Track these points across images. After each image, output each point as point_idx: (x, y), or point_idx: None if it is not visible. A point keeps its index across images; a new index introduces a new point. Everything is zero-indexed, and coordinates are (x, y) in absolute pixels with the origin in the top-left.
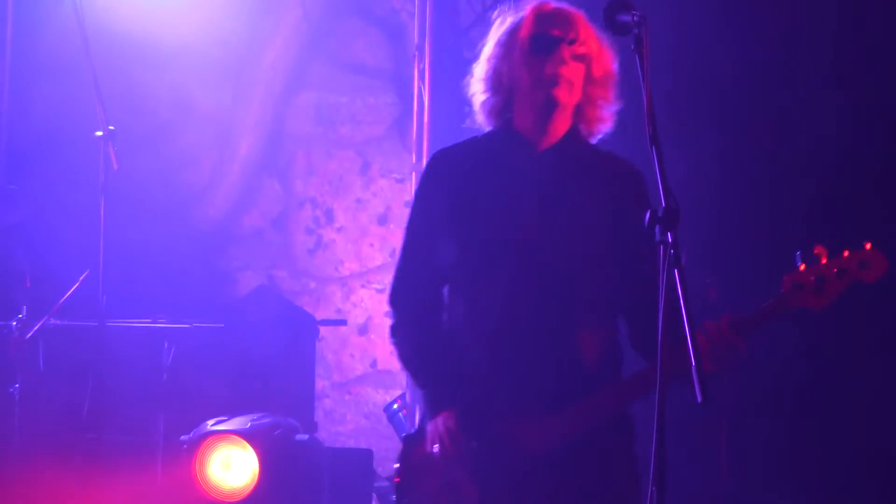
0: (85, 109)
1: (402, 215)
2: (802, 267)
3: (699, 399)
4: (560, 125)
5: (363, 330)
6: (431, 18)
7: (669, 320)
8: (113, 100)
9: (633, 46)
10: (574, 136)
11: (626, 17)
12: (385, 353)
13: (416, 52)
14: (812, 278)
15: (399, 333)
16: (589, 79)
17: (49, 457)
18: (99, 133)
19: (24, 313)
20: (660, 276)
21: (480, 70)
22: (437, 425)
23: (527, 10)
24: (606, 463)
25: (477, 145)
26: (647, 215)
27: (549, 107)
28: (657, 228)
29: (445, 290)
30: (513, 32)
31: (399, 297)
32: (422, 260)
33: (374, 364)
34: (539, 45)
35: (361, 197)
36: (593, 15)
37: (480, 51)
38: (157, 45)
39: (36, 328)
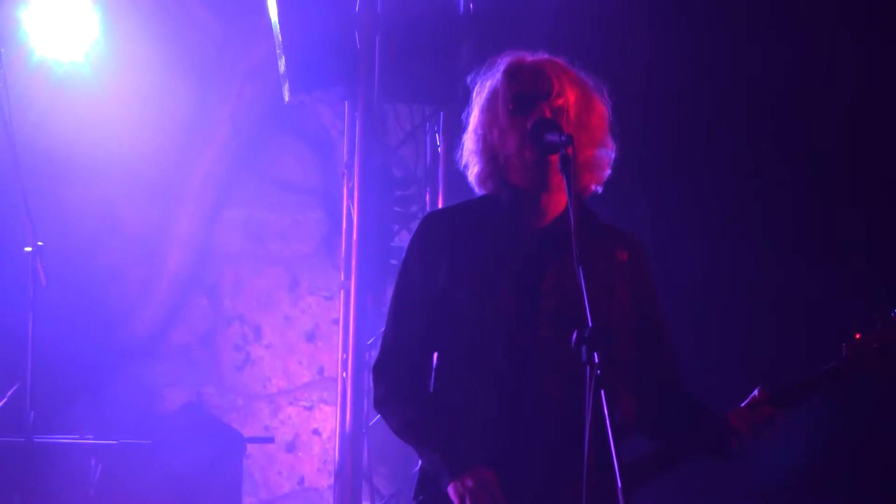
0: (13, 225)
1: (330, 332)
2: (858, 336)
3: None
4: (557, 185)
5: (291, 447)
6: (360, 136)
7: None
8: (41, 215)
9: (560, 167)
10: (580, 205)
11: (553, 138)
12: (313, 470)
13: (346, 170)
14: (875, 345)
15: (388, 405)
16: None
17: None
18: (28, 248)
19: None
20: (586, 396)
21: (470, 142)
22: (470, 483)
23: (500, 70)
24: None
25: (472, 208)
26: (574, 336)
27: (542, 164)
28: (583, 349)
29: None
30: (492, 97)
31: (385, 368)
32: (409, 329)
33: (301, 481)
34: (518, 105)
35: (289, 314)
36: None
37: (467, 120)
38: (86, 162)
39: None
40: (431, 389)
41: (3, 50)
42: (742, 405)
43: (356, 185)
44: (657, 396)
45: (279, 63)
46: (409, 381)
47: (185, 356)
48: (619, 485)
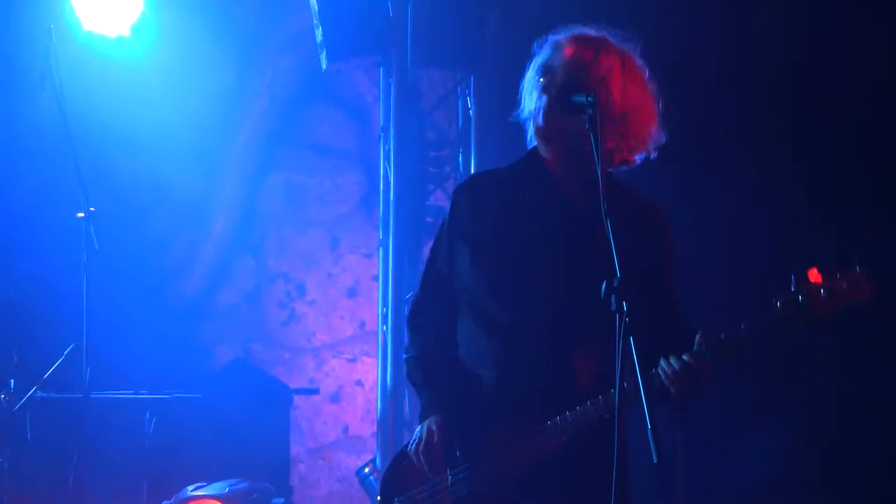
0: (67, 192)
1: (369, 288)
2: (794, 288)
3: (654, 460)
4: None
5: (335, 398)
6: (395, 101)
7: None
8: (93, 183)
9: (587, 126)
10: (609, 176)
11: (580, 99)
12: (356, 420)
13: (382, 134)
14: (803, 299)
15: (409, 350)
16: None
17: None
18: (81, 214)
19: (12, 386)
20: (616, 343)
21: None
22: (423, 427)
23: (561, 51)
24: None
25: (509, 174)
26: (603, 286)
27: (578, 155)
28: (612, 298)
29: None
30: (548, 73)
31: (415, 318)
32: (438, 282)
33: (345, 430)
34: (566, 105)
35: (331, 271)
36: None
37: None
38: (133, 132)
39: (23, 401)
40: (458, 334)
41: (52, 26)
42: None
43: (392, 147)
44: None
45: (316, 32)
46: (432, 328)
47: (233, 314)
48: (649, 425)
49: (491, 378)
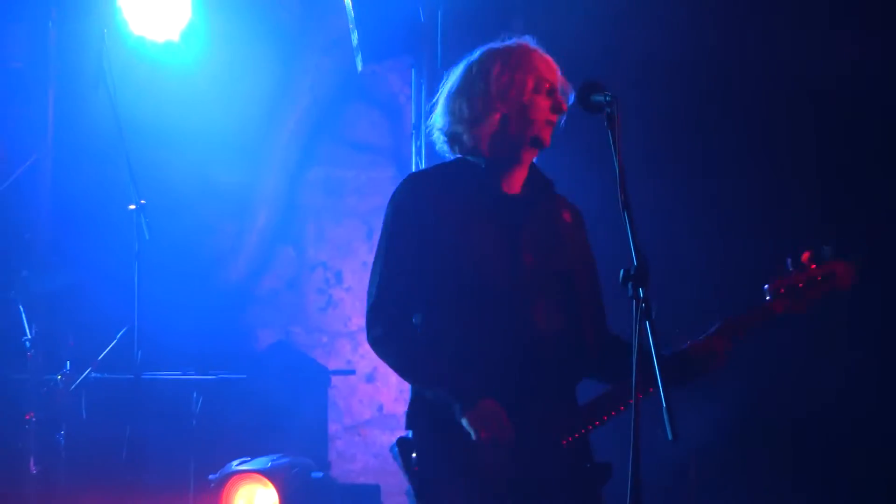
0: (119, 186)
1: None
2: (777, 280)
3: (670, 437)
4: (526, 159)
5: (370, 378)
6: (426, 100)
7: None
8: (143, 177)
9: (605, 123)
10: (535, 174)
11: (598, 98)
12: (390, 399)
13: (413, 131)
14: (799, 284)
15: (386, 343)
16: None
17: (92, 497)
18: (132, 206)
19: (68, 368)
20: (633, 326)
21: (467, 108)
22: (481, 413)
23: (527, 54)
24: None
25: (447, 171)
26: (622, 273)
27: (534, 145)
28: (630, 285)
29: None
30: (512, 71)
31: (379, 310)
32: (402, 274)
33: (380, 409)
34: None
35: (367, 260)
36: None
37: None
38: (182, 130)
39: (78, 381)
40: (420, 332)
41: (105, 30)
42: (697, 339)
43: (423, 143)
44: (602, 335)
45: (352, 36)
46: (403, 323)
47: (275, 300)
48: (664, 403)
49: (476, 356)
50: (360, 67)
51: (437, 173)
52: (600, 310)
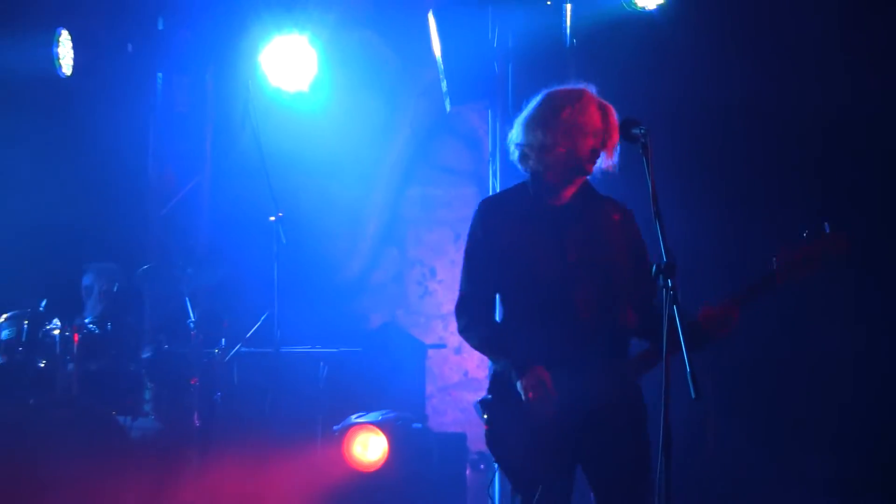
0: (262, 202)
1: None
2: (783, 250)
3: (693, 396)
4: (578, 182)
5: (458, 351)
6: (500, 134)
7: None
8: (281, 195)
9: (640, 151)
10: (585, 186)
11: (636, 131)
12: (473, 367)
13: (490, 158)
14: (798, 257)
15: (469, 330)
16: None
17: (241, 444)
18: (272, 218)
19: (223, 344)
20: (663, 310)
21: (552, 129)
22: (531, 379)
23: (589, 104)
24: (627, 427)
25: (509, 196)
26: (654, 267)
27: (583, 174)
28: (661, 277)
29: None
30: (577, 116)
31: (464, 306)
32: (479, 279)
33: (466, 374)
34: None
35: (454, 259)
36: None
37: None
38: (310, 158)
39: (231, 354)
40: (498, 320)
41: (250, 82)
42: (709, 307)
43: (498, 168)
44: (646, 309)
45: (442, 84)
46: (483, 313)
47: (383, 290)
48: (688, 368)
49: (535, 337)
50: (448, 108)
51: (502, 198)
52: (646, 290)
